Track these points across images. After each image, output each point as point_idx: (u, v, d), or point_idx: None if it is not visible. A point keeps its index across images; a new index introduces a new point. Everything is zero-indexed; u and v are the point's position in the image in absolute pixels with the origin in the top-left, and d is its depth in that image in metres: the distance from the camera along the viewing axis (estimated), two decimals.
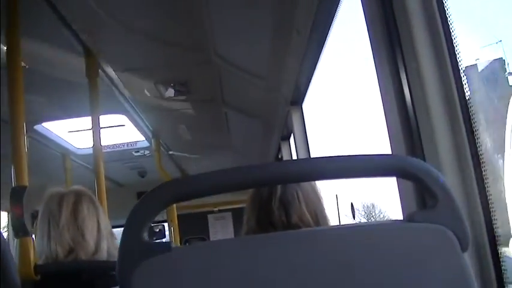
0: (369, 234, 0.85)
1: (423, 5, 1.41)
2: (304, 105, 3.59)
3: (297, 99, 3.54)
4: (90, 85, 2.81)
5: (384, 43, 1.55)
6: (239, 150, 5.11)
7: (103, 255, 1.69)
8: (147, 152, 4.93)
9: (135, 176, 5.74)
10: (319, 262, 0.80)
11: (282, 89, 3.42)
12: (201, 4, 2.41)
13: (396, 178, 1.36)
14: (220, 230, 6.63)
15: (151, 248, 0.81)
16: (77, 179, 3.12)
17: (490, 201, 1.33)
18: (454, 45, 1.38)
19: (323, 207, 1.35)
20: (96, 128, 2.83)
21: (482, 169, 1.34)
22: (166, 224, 5.87)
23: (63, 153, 4.56)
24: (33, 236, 1.81)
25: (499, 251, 1.30)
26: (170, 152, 5.04)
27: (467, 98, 1.37)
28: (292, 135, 3.89)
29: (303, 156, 3.58)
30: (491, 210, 1.32)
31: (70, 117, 3.84)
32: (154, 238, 6.50)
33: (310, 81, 3.25)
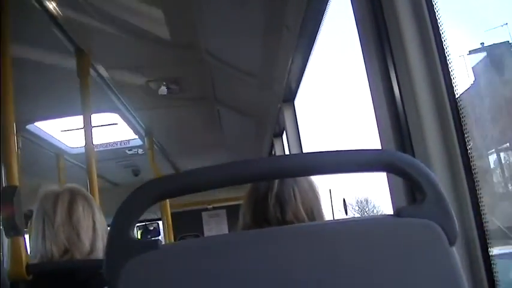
0: (357, 229, 0.85)
1: (412, 1, 1.42)
2: (296, 102, 3.61)
3: (289, 96, 3.55)
4: (81, 84, 2.79)
5: (373, 39, 1.55)
6: (232, 148, 5.10)
7: (98, 254, 1.68)
8: (140, 150, 4.90)
9: (129, 174, 5.72)
10: (308, 257, 0.80)
11: (273, 86, 3.42)
12: (192, 2, 2.41)
13: (386, 173, 1.36)
14: (215, 227, 6.62)
15: (139, 246, 0.80)
16: (71, 178, 3.11)
17: (479, 196, 1.34)
18: (443, 41, 1.39)
19: (320, 204, 1.35)
20: (88, 127, 2.82)
21: (472, 164, 1.35)
22: (160, 222, 5.86)
23: (57, 152, 4.53)
24: (26, 236, 1.81)
25: (488, 245, 1.31)
26: (163, 150, 5.03)
27: (456, 94, 1.38)
28: (284, 132, 3.90)
29: (295, 152, 3.58)
30: (480, 204, 1.33)
31: (62, 117, 3.82)
32: (148, 236, 6.50)
33: (301, 78, 3.25)
